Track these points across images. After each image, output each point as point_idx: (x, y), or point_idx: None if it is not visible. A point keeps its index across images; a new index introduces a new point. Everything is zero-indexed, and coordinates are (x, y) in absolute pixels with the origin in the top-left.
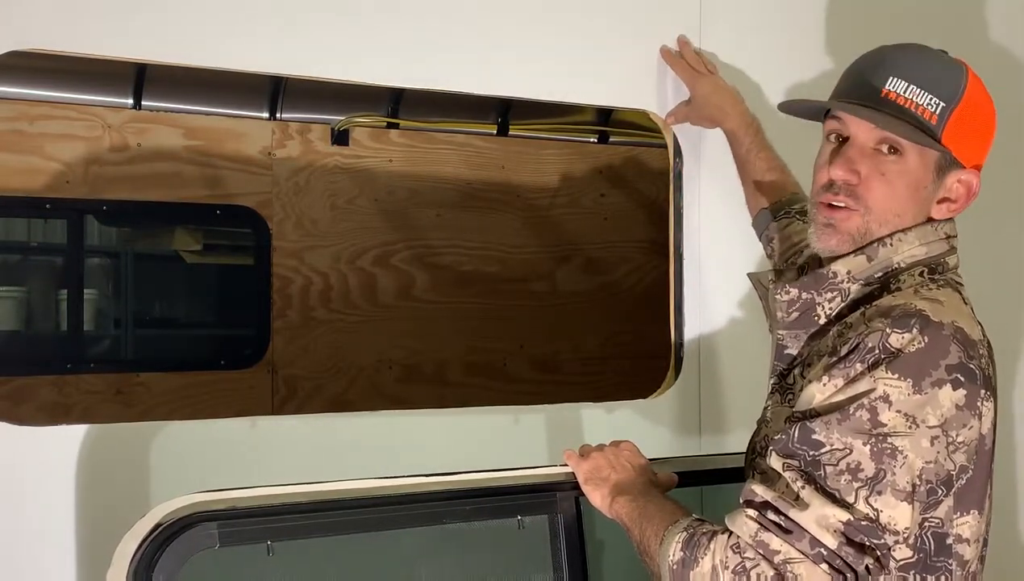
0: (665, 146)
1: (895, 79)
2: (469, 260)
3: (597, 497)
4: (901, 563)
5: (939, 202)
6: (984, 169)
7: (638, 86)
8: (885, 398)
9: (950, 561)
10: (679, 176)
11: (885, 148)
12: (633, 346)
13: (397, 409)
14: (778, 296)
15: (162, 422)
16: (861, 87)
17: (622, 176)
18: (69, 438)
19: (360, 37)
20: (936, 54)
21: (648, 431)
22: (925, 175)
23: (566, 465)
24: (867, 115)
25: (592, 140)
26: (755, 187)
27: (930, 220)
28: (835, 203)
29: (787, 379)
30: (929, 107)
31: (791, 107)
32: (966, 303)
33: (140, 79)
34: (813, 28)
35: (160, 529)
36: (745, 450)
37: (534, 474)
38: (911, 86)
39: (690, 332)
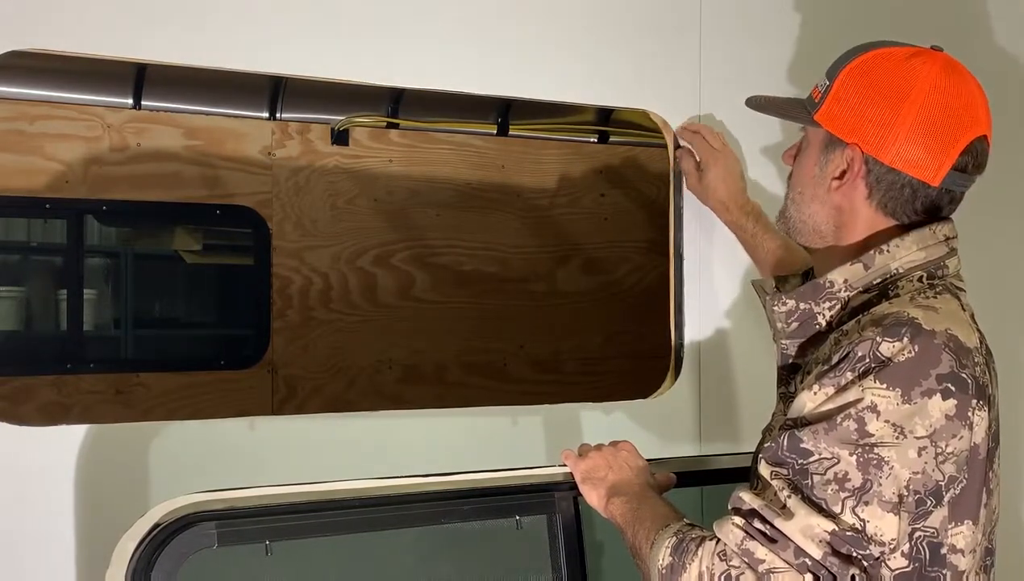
0: (665, 146)
1: (824, 75)
2: (469, 260)
3: (593, 497)
4: (896, 572)
5: (834, 179)
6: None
7: (638, 86)
8: (873, 408)
9: (944, 572)
10: (679, 176)
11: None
12: (633, 346)
13: (397, 409)
14: (776, 307)
15: (162, 422)
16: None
17: (622, 176)
18: (69, 438)
19: (360, 37)
20: (869, 43)
21: (648, 431)
22: (814, 152)
23: (564, 465)
24: (753, 102)
25: (592, 140)
26: (767, 267)
27: (924, 223)
28: None
29: (790, 388)
30: (820, 87)
31: (756, 101)
32: (964, 309)
33: (140, 79)
34: (811, 21)
35: (159, 529)
36: (752, 453)
37: (532, 474)
38: (824, 75)
39: (690, 332)
